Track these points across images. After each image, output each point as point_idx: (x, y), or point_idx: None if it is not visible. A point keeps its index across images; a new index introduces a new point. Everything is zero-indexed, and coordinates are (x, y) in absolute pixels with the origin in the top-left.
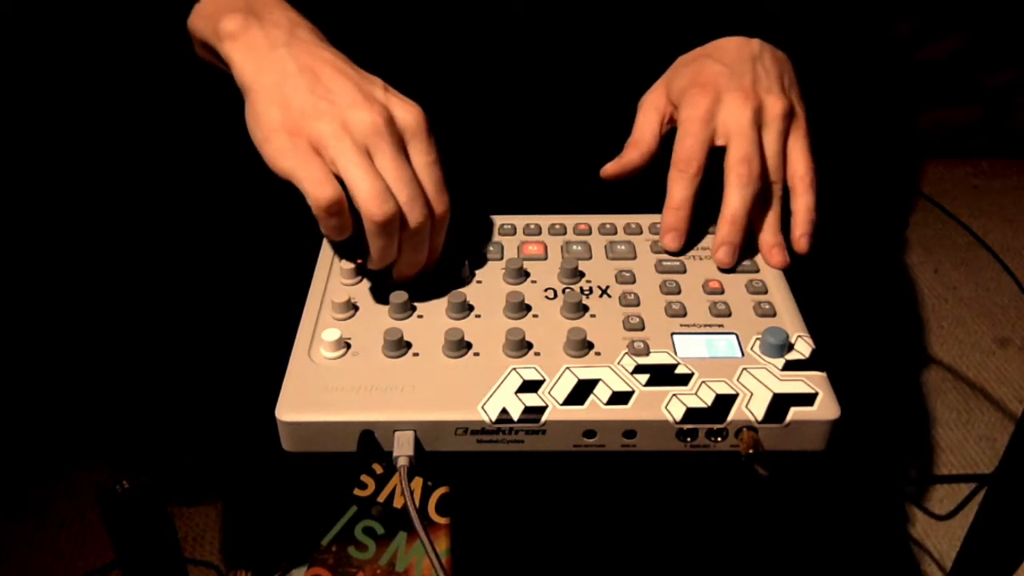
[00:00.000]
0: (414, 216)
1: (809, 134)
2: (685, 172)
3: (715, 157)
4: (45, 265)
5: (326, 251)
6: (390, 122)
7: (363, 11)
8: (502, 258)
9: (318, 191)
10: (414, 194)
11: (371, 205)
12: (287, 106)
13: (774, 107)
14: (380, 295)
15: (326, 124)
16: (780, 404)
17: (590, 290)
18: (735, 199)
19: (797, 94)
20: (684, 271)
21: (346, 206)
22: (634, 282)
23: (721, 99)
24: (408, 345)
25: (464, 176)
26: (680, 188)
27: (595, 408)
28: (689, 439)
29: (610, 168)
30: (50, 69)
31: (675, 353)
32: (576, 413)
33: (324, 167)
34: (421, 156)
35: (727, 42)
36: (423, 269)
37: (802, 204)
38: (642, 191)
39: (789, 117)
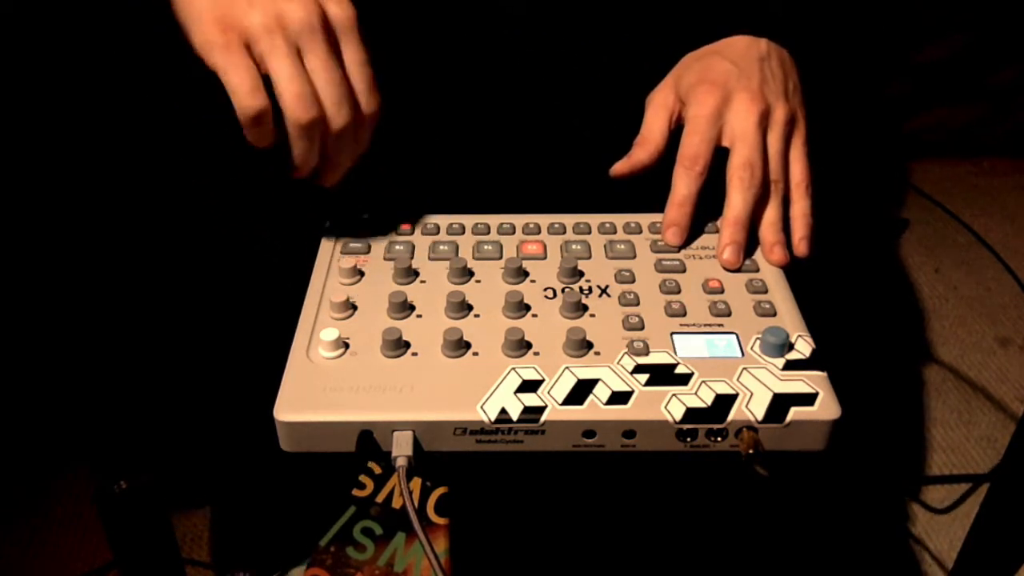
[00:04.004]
0: (340, 118)
1: (808, 141)
2: (691, 169)
3: (718, 156)
4: (44, 264)
5: (325, 251)
6: (323, 18)
7: (365, 11)
8: (501, 257)
9: (246, 101)
10: (342, 96)
11: (296, 108)
12: None
13: (779, 111)
14: (379, 295)
15: (258, 16)
16: (780, 404)
17: (589, 289)
18: (738, 201)
19: (800, 99)
20: (684, 270)
21: (271, 116)
22: (634, 281)
23: (729, 99)
24: (407, 345)
25: (464, 175)
26: (684, 184)
27: (594, 408)
28: (689, 439)
29: (619, 167)
30: (50, 69)
31: (675, 353)
32: (575, 413)
33: (253, 71)
34: (352, 54)
35: (736, 41)
36: (329, 180)
37: (799, 209)
38: (643, 190)
39: (792, 122)
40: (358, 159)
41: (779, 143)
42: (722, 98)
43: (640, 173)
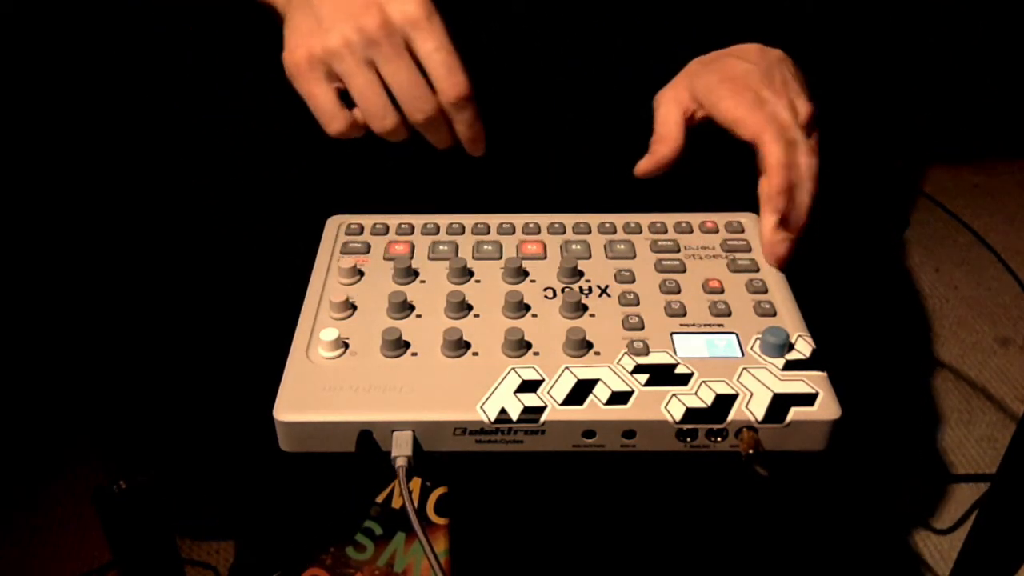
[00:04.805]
0: (419, 112)
1: (820, 142)
2: (783, 134)
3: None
4: (45, 264)
5: (324, 251)
6: (385, 24)
7: None
8: (501, 257)
9: (329, 126)
10: (415, 92)
11: (372, 121)
12: (310, 20)
13: (803, 110)
14: (379, 295)
15: (332, 40)
16: (780, 404)
17: (589, 289)
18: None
19: (814, 103)
20: (684, 270)
21: (355, 128)
22: (633, 281)
23: (757, 95)
24: (406, 345)
25: (464, 174)
26: (779, 149)
27: (594, 408)
28: (689, 439)
29: (644, 165)
30: (50, 69)
31: (675, 353)
32: (575, 413)
33: (331, 96)
34: (423, 45)
35: (748, 46)
36: (473, 150)
37: (801, 202)
38: (644, 190)
39: (811, 123)
40: (475, 131)
41: (803, 142)
42: (752, 94)
43: (663, 171)
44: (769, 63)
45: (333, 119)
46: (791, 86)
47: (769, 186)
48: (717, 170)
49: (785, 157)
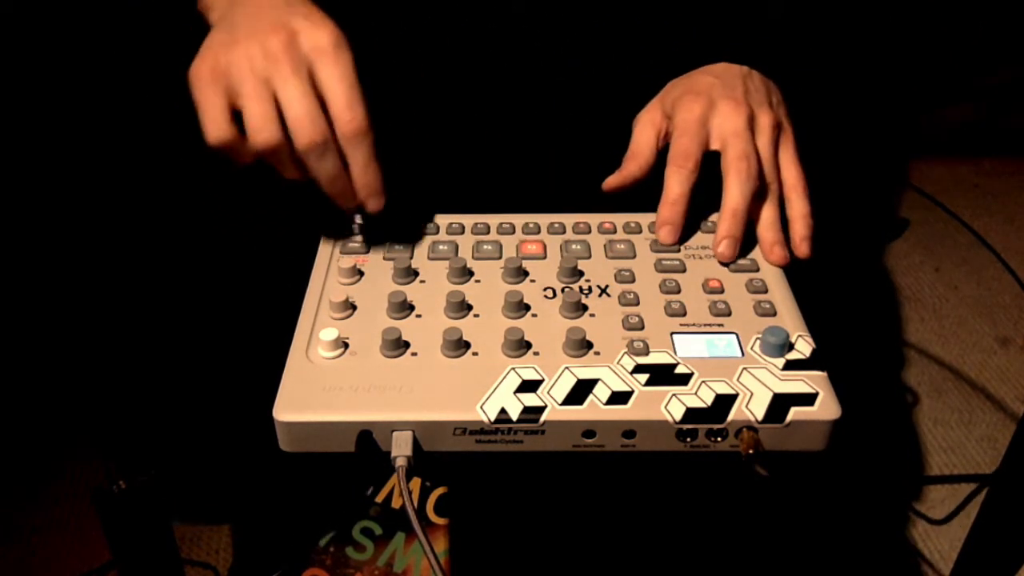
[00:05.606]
0: (305, 133)
1: (798, 147)
2: (683, 167)
3: (709, 161)
4: (45, 264)
5: (324, 250)
6: (289, 46)
7: (366, 12)
8: (501, 257)
9: (208, 131)
10: (305, 112)
11: (252, 133)
12: (225, 36)
13: (764, 118)
14: (378, 295)
15: (235, 55)
16: (780, 404)
17: (589, 289)
18: (735, 193)
19: (785, 111)
20: (684, 270)
21: (234, 144)
22: (633, 281)
23: (715, 105)
24: (406, 345)
25: (464, 175)
26: (677, 182)
27: (594, 408)
28: (689, 439)
29: (612, 181)
30: (51, 69)
31: (675, 353)
32: (575, 413)
33: (219, 106)
34: (325, 71)
35: (716, 65)
36: (370, 203)
37: (797, 211)
38: (642, 191)
39: (778, 128)
40: (370, 177)
41: (768, 147)
42: (708, 105)
43: (631, 186)
44: (733, 76)
45: (214, 125)
46: (753, 96)
47: (657, 217)
48: (716, 172)
49: (678, 192)
